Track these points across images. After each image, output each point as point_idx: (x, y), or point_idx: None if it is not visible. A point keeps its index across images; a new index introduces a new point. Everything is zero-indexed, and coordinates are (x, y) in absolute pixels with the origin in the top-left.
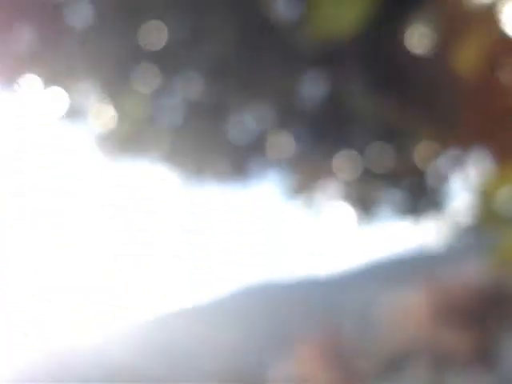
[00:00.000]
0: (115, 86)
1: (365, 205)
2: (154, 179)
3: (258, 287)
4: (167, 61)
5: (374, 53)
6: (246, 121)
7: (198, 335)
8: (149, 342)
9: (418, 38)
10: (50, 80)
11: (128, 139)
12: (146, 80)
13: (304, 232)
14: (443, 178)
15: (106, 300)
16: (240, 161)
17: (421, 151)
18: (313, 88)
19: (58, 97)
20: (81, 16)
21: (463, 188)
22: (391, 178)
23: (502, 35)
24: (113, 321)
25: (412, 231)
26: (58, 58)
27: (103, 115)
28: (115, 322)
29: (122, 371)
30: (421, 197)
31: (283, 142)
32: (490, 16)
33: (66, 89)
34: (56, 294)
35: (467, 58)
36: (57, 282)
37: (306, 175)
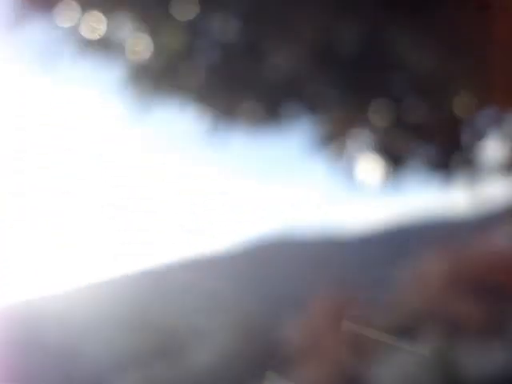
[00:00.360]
0: (154, 17)
1: (396, 157)
2: (183, 125)
3: (274, 242)
4: None
5: None
6: (281, 64)
7: (208, 289)
8: (156, 293)
9: None
10: (88, 7)
11: (163, 73)
12: (185, 13)
13: (329, 185)
14: (478, 135)
15: (109, 246)
16: (273, 104)
17: (458, 106)
18: (351, 33)
19: (94, 26)
20: None
21: (497, 146)
22: (425, 131)
23: None
24: (116, 269)
25: (440, 192)
26: None
27: (140, 46)
28: (119, 269)
29: (128, 320)
30: (453, 152)
31: (318, 88)
32: None
33: (104, 16)
34: (56, 237)
35: None
36: (59, 225)
37: (339, 123)
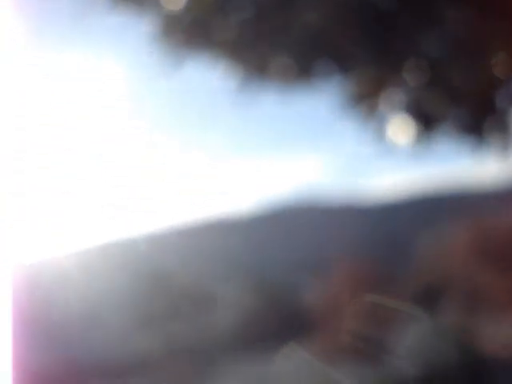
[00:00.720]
0: None
1: (428, 119)
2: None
3: (297, 207)
4: None
5: None
6: (314, 21)
7: (228, 252)
8: (175, 255)
9: None
10: None
11: (194, 26)
12: None
13: (357, 148)
14: None
15: (130, 206)
16: (305, 62)
17: (495, 67)
18: None
19: None
20: None
21: None
22: (459, 93)
23: None
24: (137, 229)
25: (471, 158)
26: None
27: None
28: (140, 230)
29: (149, 281)
30: (487, 117)
31: (351, 46)
32: None
33: None
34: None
35: None
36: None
37: (372, 82)
